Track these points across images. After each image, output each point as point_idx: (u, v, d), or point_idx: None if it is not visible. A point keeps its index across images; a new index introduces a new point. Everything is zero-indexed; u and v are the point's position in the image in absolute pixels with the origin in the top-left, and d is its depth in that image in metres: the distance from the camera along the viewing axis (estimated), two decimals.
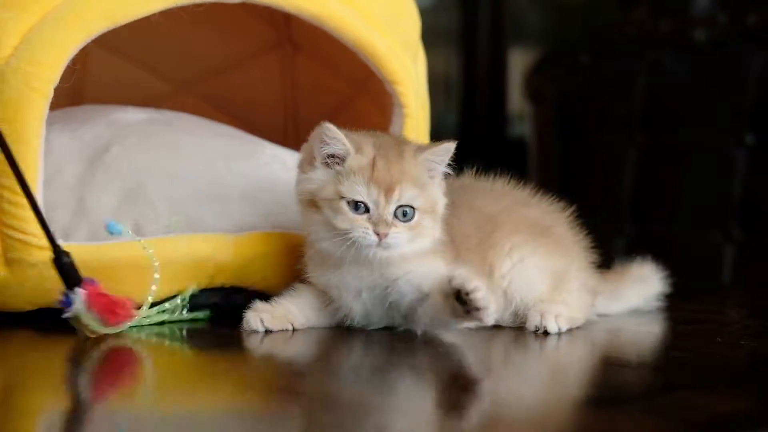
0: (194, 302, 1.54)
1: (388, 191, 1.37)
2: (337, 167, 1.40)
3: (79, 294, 1.35)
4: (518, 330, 1.48)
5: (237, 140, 1.66)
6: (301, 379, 1.24)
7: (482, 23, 3.40)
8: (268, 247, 1.53)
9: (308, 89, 1.94)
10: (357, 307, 1.44)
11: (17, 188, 1.42)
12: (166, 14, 1.52)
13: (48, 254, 1.40)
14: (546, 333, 1.44)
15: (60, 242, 1.46)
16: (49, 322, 1.49)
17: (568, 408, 1.14)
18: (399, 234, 1.38)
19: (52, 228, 1.46)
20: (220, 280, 1.53)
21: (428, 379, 1.28)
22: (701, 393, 1.18)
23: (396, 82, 1.61)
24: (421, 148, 1.42)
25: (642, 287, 1.65)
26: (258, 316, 1.42)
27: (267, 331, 1.41)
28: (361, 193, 1.37)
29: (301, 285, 1.47)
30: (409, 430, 1.04)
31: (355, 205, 1.38)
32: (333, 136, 1.39)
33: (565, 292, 1.50)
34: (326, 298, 1.45)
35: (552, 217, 1.56)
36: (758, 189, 2.51)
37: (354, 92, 1.83)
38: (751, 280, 2.41)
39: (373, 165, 1.38)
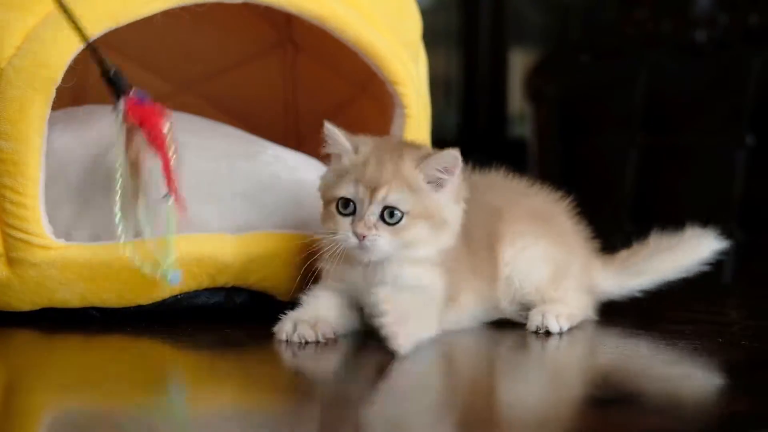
0: (195, 302, 1.54)
1: (374, 190, 1.35)
2: (336, 167, 1.40)
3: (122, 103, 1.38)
4: (518, 330, 1.48)
5: (239, 140, 1.66)
6: (307, 378, 1.25)
7: (483, 23, 3.40)
8: (270, 247, 1.53)
9: (309, 89, 1.94)
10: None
11: (19, 187, 1.42)
12: (167, 14, 1.52)
13: (50, 254, 1.41)
14: (548, 333, 1.44)
15: (61, 242, 1.46)
16: (51, 322, 1.49)
17: (569, 408, 1.14)
18: (380, 237, 1.34)
19: (54, 227, 1.47)
20: (221, 280, 1.52)
21: (430, 379, 1.29)
22: (702, 393, 1.19)
23: (397, 83, 1.60)
24: (423, 156, 1.39)
25: (672, 256, 1.62)
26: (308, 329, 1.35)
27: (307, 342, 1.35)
28: (349, 191, 1.36)
29: (321, 289, 1.43)
30: (411, 429, 1.04)
31: (345, 204, 1.37)
32: (331, 136, 1.41)
33: (562, 289, 1.50)
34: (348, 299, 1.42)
35: (553, 207, 1.56)
36: (758, 190, 2.52)
37: (355, 93, 1.83)
38: (751, 281, 2.41)
39: (366, 164, 1.37)
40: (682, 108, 2.68)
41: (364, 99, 1.80)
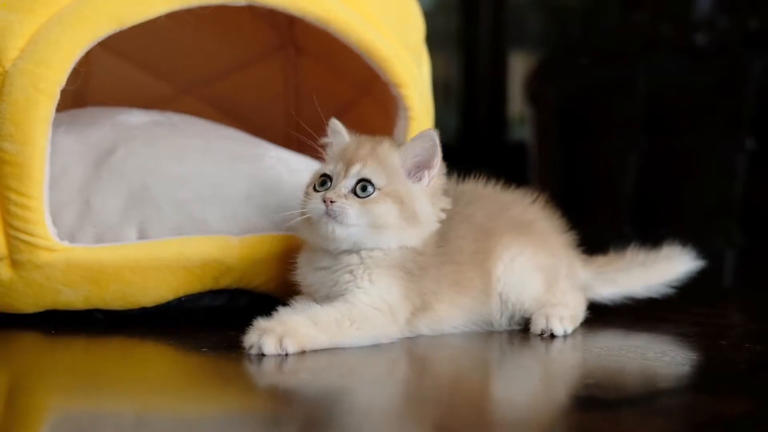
0: (199, 305, 1.54)
1: (350, 165, 1.38)
2: (327, 157, 1.44)
3: None
4: (522, 333, 1.48)
5: (242, 143, 1.66)
6: (304, 381, 1.25)
7: (483, 27, 3.41)
8: (273, 249, 1.53)
9: (311, 92, 1.94)
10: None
11: (24, 189, 1.42)
12: (170, 17, 1.52)
13: (54, 256, 1.41)
14: (552, 336, 1.45)
15: (65, 243, 1.46)
16: (55, 324, 1.49)
17: (575, 409, 1.14)
18: (348, 206, 1.36)
19: (58, 229, 1.47)
20: (225, 282, 1.53)
21: (430, 380, 1.29)
22: (706, 395, 1.19)
23: (400, 85, 1.61)
24: (403, 142, 1.44)
25: (643, 273, 1.63)
26: (276, 339, 1.31)
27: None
28: (327, 168, 1.40)
29: (300, 298, 1.45)
30: (411, 429, 1.04)
31: (322, 182, 1.40)
32: (336, 129, 1.45)
33: (559, 292, 1.51)
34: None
35: (532, 212, 1.56)
36: (759, 193, 2.52)
37: (357, 95, 1.83)
38: (752, 284, 2.42)
39: (347, 147, 1.41)
40: (683, 111, 2.68)
41: (366, 101, 1.81)
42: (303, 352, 1.31)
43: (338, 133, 1.44)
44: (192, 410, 1.12)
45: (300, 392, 1.19)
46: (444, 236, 1.44)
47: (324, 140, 1.46)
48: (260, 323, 1.31)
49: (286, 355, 1.29)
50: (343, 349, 1.34)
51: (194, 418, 1.08)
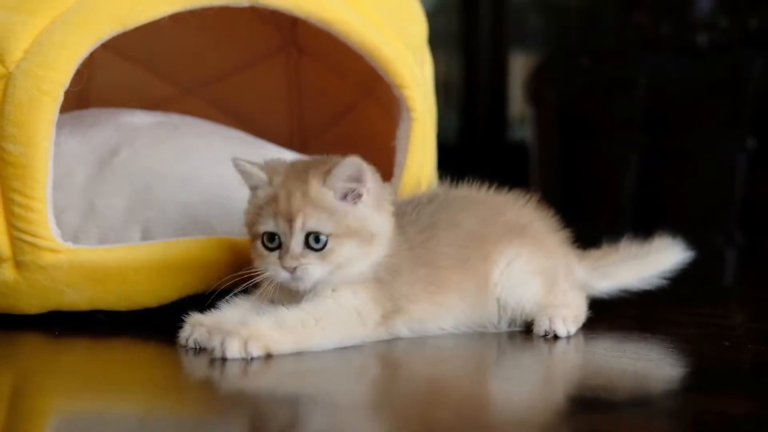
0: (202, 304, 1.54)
1: (291, 220, 1.33)
2: (256, 201, 1.38)
3: None
4: (523, 333, 1.48)
5: (245, 144, 1.67)
6: (313, 377, 1.25)
7: (483, 27, 3.41)
8: None
9: (314, 93, 1.94)
10: None
11: (27, 190, 1.42)
12: (173, 18, 1.52)
13: (57, 257, 1.41)
14: (555, 337, 1.45)
15: (69, 245, 1.46)
16: (58, 325, 1.49)
17: (578, 410, 1.15)
18: (311, 265, 1.33)
19: (62, 230, 1.47)
20: (227, 283, 1.53)
21: (431, 381, 1.29)
22: (709, 396, 1.19)
23: (403, 86, 1.60)
24: (326, 172, 1.35)
25: (637, 265, 1.63)
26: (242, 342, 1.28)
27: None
28: (270, 226, 1.35)
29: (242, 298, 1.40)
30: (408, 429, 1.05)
31: (270, 238, 1.35)
32: (245, 170, 1.38)
33: (560, 293, 1.50)
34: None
35: (525, 214, 1.54)
36: (759, 192, 2.53)
37: (360, 96, 1.83)
38: (752, 284, 2.42)
39: (278, 195, 1.35)
40: (683, 111, 2.68)
41: (369, 102, 1.81)
42: (269, 356, 1.28)
43: (249, 174, 1.38)
44: (193, 409, 1.12)
45: (304, 391, 1.20)
46: (425, 243, 1.43)
47: (244, 184, 1.40)
48: (224, 326, 1.30)
49: (252, 359, 1.27)
50: (334, 351, 1.33)
51: (195, 416, 1.08)
